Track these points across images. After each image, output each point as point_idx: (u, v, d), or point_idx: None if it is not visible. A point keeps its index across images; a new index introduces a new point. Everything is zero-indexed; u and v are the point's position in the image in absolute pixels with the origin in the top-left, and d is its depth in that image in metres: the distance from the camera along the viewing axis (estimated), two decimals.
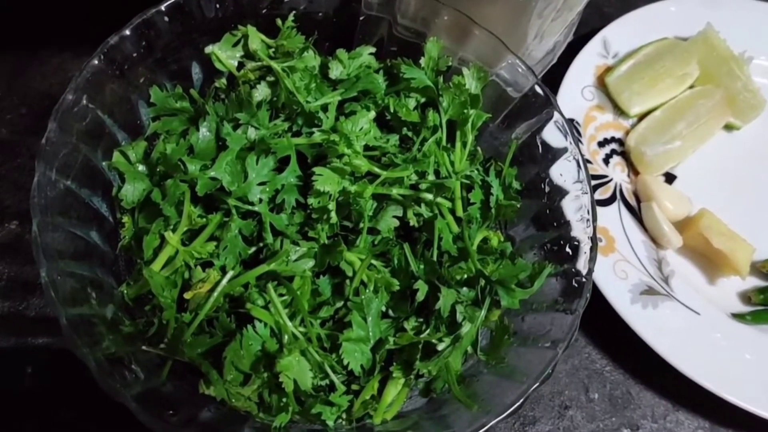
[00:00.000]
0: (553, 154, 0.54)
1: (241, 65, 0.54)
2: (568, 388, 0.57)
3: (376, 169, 0.50)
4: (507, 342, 0.48)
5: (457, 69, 0.55)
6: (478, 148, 0.56)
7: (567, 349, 0.43)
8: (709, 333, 0.56)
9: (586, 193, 0.48)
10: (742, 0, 0.73)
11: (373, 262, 0.50)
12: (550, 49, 0.63)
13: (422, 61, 0.56)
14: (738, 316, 0.58)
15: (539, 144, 0.55)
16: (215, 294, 0.45)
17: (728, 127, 0.68)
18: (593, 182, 0.62)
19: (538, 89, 0.52)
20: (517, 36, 0.58)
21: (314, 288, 0.48)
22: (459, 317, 0.47)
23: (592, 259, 0.46)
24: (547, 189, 0.55)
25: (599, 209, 0.60)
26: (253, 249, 0.49)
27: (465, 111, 0.54)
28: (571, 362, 0.58)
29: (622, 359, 0.58)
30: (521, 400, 0.41)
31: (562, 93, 0.64)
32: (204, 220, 0.48)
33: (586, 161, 0.54)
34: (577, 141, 0.48)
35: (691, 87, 0.67)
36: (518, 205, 0.53)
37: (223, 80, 0.55)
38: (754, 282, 0.62)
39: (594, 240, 0.46)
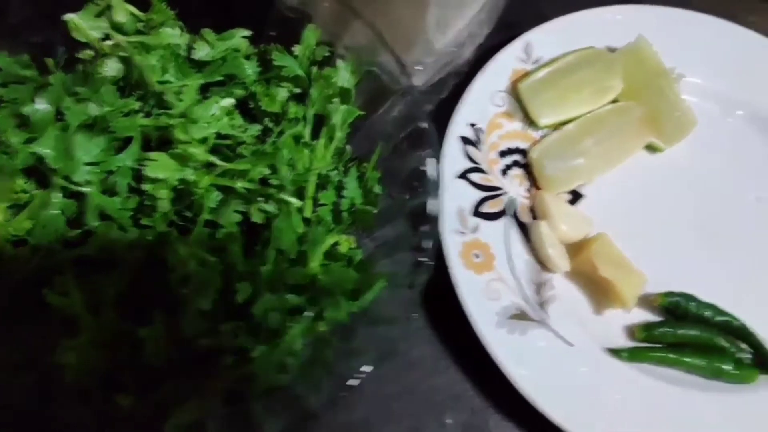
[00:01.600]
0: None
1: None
2: (422, 409, 0.55)
3: (214, 159, 0.48)
4: (326, 356, 0.46)
5: None
6: (348, 147, 0.53)
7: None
8: (577, 367, 0.55)
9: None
10: (684, 12, 0.68)
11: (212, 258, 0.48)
12: (460, 43, 0.60)
13: (297, 48, 0.53)
14: (613, 352, 0.55)
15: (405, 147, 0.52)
16: None
17: (651, 148, 0.64)
18: (485, 194, 0.59)
19: (410, 88, 0.49)
20: (415, 25, 0.55)
21: None
22: (272, 324, 0.45)
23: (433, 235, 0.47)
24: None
25: (484, 223, 0.58)
26: (78, 232, 0.47)
27: (332, 105, 0.51)
28: (430, 382, 0.56)
29: (485, 385, 0.57)
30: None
31: (470, 95, 0.63)
32: (27, 195, 0.47)
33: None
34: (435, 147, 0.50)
35: (614, 101, 0.63)
36: (375, 211, 0.50)
37: (89, 51, 0.53)
38: (646, 316, 0.58)
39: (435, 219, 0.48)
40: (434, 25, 0.57)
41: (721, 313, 0.61)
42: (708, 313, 0.61)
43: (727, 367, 0.59)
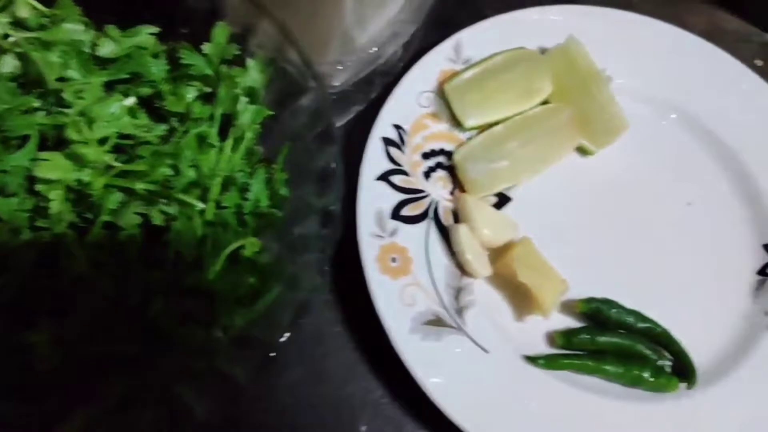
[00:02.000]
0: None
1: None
2: (336, 417, 0.54)
3: (109, 160, 0.46)
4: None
5: None
6: (258, 147, 0.52)
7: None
8: (492, 374, 0.55)
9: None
10: (623, 14, 0.67)
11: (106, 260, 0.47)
12: (382, 42, 0.59)
13: (206, 46, 0.52)
14: (531, 359, 0.54)
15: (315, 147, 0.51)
16: None
17: (582, 151, 0.63)
18: (405, 196, 0.58)
19: (319, 86, 0.48)
20: (330, 24, 0.54)
21: None
22: (166, 328, 0.44)
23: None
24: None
25: (405, 227, 0.57)
26: None
27: (240, 105, 0.50)
28: (345, 389, 0.56)
29: (401, 392, 0.56)
30: None
31: (395, 96, 0.63)
32: None
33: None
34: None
35: (545, 103, 0.62)
36: (279, 214, 0.49)
37: None
38: (570, 323, 0.57)
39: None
40: (353, 24, 0.57)
41: (644, 319, 0.61)
42: (630, 320, 0.60)
43: (646, 375, 0.58)
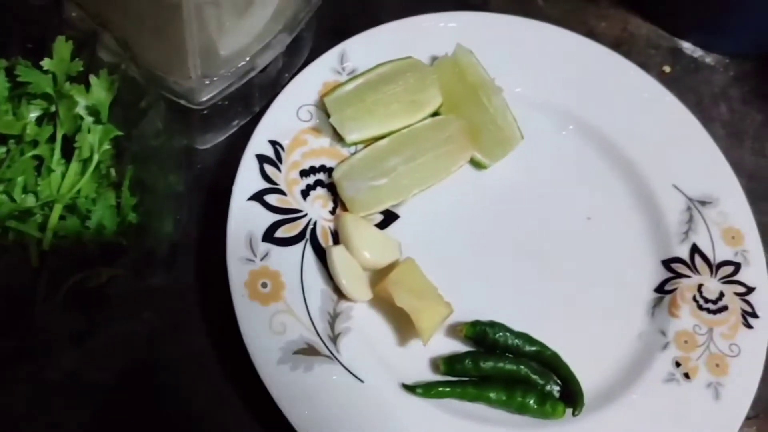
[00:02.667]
0: None
1: None
2: None
3: None
4: None
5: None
6: (111, 170, 0.49)
7: None
8: (367, 405, 0.52)
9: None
10: (523, 21, 0.66)
11: None
12: (255, 53, 0.55)
13: (46, 62, 0.48)
14: (408, 388, 0.51)
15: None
16: None
17: (476, 165, 0.60)
18: (280, 216, 0.55)
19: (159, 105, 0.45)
20: (179, 34, 0.50)
21: None
22: None
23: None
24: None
25: (277, 249, 0.54)
26: None
27: (85, 125, 0.47)
28: (213, 421, 0.51)
29: (273, 425, 0.51)
30: None
31: (273, 109, 0.60)
32: None
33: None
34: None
35: (435, 115, 0.59)
36: (124, 243, 0.46)
37: None
38: (457, 347, 0.54)
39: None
40: (212, 37, 0.53)
41: (533, 342, 0.58)
42: (518, 343, 0.58)
43: (531, 401, 0.56)
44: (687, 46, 0.78)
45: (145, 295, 0.48)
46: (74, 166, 0.50)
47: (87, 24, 0.50)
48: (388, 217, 0.62)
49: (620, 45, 0.77)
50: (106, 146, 0.51)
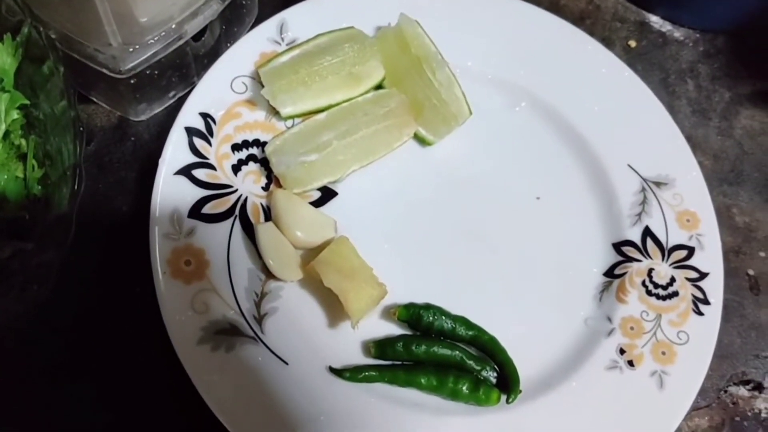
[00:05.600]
0: None
1: None
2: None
3: None
4: None
5: None
6: (22, 141, 0.47)
7: None
8: (291, 389, 0.51)
9: None
10: None
11: None
12: (182, 20, 0.53)
13: None
14: (336, 372, 0.49)
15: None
16: None
17: (421, 141, 0.58)
18: (208, 192, 0.54)
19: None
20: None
21: None
22: None
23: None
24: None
25: (203, 225, 0.53)
26: None
27: None
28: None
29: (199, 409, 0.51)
30: None
31: (206, 80, 0.59)
32: None
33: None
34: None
35: (379, 88, 0.57)
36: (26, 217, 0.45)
37: None
38: (392, 330, 0.53)
39: None
40: (128, 2, 0.51)
41: (470, 326, 0.57)
42: (454, 327, 0.57)
43: (464, 387, 0.55)
44: (655, 20, 0.76)
45: (53, 271, 0.47)
46: None
47: None
48: (326, 194, 0.61)
49: (585, 18, 0.75)
50: (15, 115, 0.49)
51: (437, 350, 0.56)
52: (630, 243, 0.62)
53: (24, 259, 0.46)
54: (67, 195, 0.43)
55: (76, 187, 0.43)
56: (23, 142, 0.51)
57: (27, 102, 0.49)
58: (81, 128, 0.44)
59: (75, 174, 0.43)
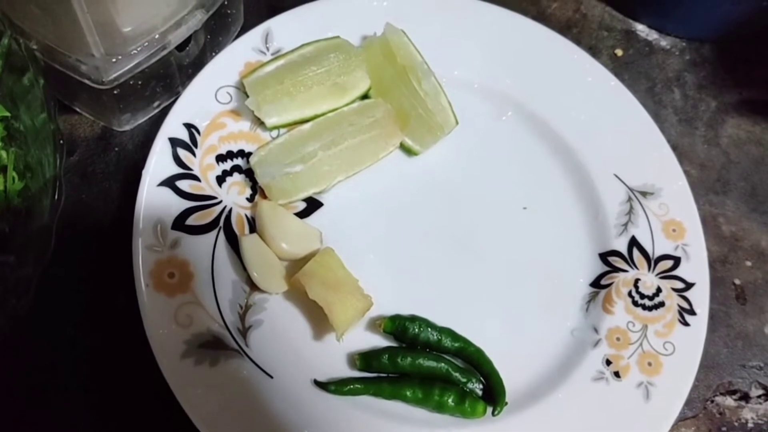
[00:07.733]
0: None
1: None
2: None
3: None
4: None
5: None
6: (2, 152, 0.47)
7: None
8: (276, 402, 0.51)
9: None
10: (458, 1, 0.63)
11: None
12: (165, 30, 0.53)
13: None
14: (321, 385, 0.50)
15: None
16: None
17: (407, 151, 0.59)
18: (193, 203, 0.54)
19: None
20: (67, 7, 0.48)
21: None
22: None
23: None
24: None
25: (187, 237, 0.53)
26: None
27: None
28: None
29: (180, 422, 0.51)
30: None
31: (191, 90, 0.59)
32: None
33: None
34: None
35: (365, 98, 0.57)
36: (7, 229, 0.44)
37: None
38: (378, 342, 0.53)
39: None
40: (110, 12, 0.51)
41: (456, 338, 0.57)
42: (440, 339, 0.57)
43: (449, 399, 0.55)
44: (642, 29, 0.76)
45: (33, 283, 0.47)
46: None
47: None
48: (312, 205, 0.61)
49: (571, 27, 0.76)
50: None
51: (423, 362, 0.56)
52: (616, 253, 0.62)
53: (3, 272, 0.46)
54: (47, 207, 0.43)
55: (56, 198, 0.43)
56: (3, 154, 0.51)
57: (8, 114, 0.49)
58: (61, 141, 0.44)
59: (55, 186, 0.43)
